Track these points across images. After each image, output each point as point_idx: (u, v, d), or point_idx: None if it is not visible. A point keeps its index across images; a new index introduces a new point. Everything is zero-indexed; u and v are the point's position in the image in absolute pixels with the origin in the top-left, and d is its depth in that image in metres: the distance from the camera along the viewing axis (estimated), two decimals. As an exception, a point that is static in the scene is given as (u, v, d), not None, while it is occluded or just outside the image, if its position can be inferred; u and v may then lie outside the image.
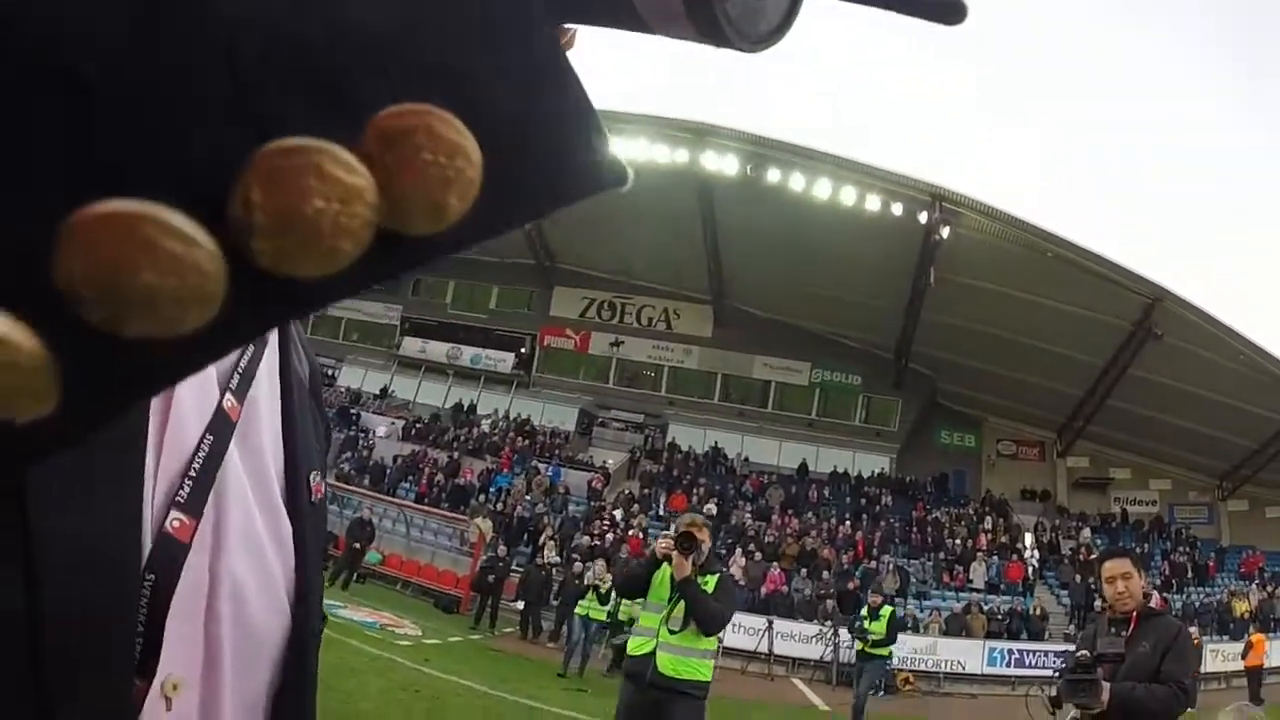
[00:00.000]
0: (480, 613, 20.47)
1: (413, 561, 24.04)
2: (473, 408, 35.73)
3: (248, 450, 0.77)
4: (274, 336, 0.85)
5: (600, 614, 16.78)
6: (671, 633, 6.39)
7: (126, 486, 0.63)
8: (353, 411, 34.15)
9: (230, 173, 0.26)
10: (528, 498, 29.05)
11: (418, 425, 33.58)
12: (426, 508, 27.03)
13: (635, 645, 6.62)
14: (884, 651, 14.30)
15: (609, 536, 25.45)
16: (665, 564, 6.45)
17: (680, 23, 0.46)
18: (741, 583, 22.28)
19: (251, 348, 0.78)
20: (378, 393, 36.48)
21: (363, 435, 32.44)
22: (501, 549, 22.04)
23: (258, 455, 0.79)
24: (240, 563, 0.73)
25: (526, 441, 33.53)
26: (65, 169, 0.24)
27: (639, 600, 6.83)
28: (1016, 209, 26.99)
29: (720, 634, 6.76)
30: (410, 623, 17.57)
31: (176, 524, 0.67)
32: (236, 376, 0.76)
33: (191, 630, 0.69)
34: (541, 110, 0.35)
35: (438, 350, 37.24)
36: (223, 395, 0.74)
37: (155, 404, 0.66)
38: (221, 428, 0.73)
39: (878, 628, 13.86)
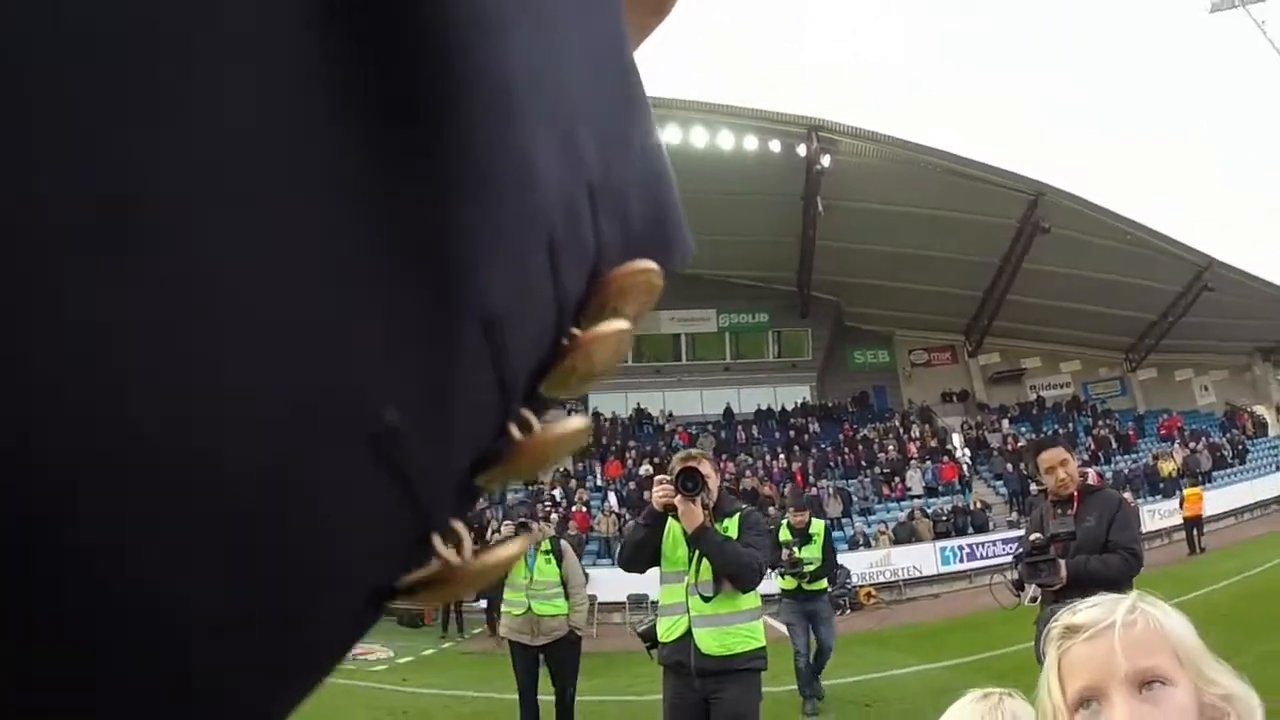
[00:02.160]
0: (446, 620, 20.32)
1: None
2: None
3: None
4: None
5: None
6: (705, 600, 5.19)
7: None
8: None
9: (550, 362, 0.29)
10: (468, 495, 28.88)
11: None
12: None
13: (665, 628, 5.40)
14: (821, 585, 10.29)
15: (554, 516, 25.48)
16: (670, 518, 5.31)
17: None
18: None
19: None
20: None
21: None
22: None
23: None
24: None
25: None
26: (503, 403, 0.28)
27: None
28: (892, 129, 27.53)
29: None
30: (379, 645, 17.37)
31: None
32: None
33: None
34: (671, 215, 0.39)
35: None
36: None
37: None
38: None
39: (811, 551, 10.13)
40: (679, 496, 5.05)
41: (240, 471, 0.23)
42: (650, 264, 0.33)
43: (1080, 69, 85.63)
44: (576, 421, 0.29)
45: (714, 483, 5.22)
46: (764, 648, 5.30)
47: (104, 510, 0.21)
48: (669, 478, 5.18)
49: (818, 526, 10.41)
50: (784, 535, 10.04)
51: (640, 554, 5.44)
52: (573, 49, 0.31)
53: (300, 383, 0.23)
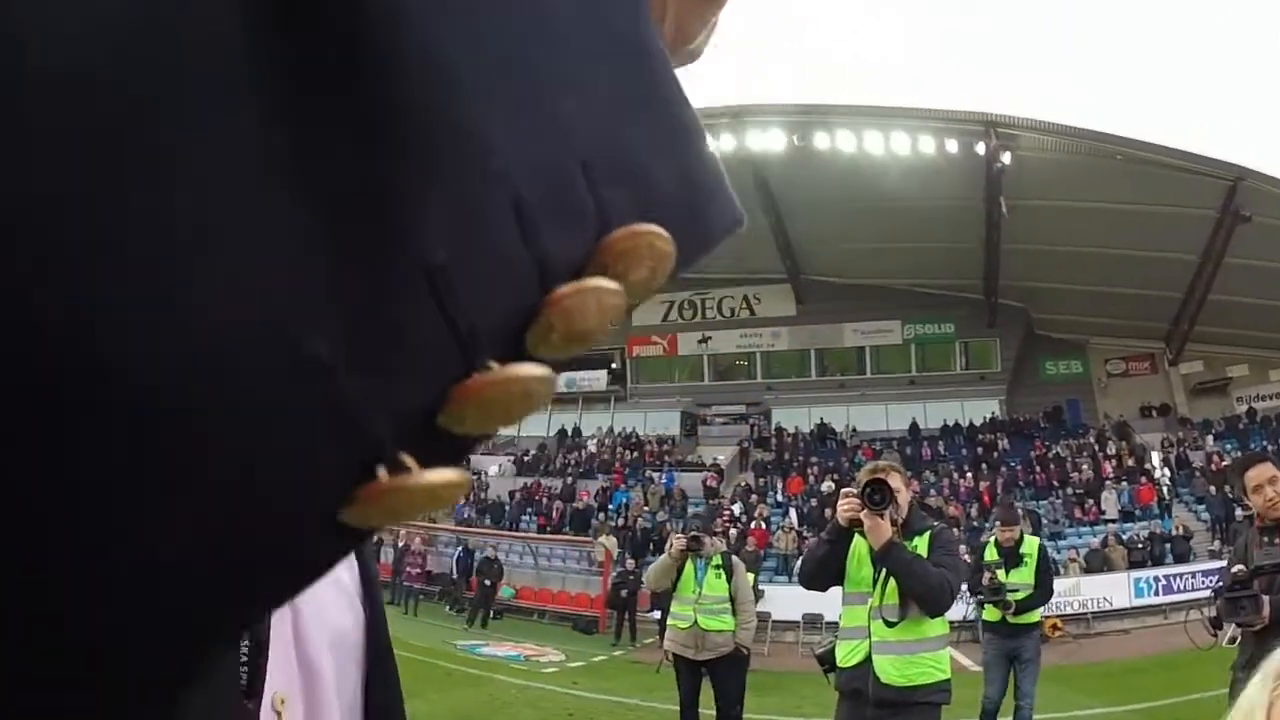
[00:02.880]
0: (619, 628, 20.65)
1: (545, 590, 24.34)
2: (577, 430, 36.02)
3: None
4: None
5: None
6: (889, 625, 4.84)
7: None
8: (461, 456, 34.72)
9: (526, 318, 0.31)
10: (646, 508, 29.15)
11: (527, 458, 34.02)
12: (550, 536, 27.39)
13: (845, 653, 5.12)
14: (1034, 616, 8.70)
15: (732, 532, 25.29)
16: (856, 534, 5.00)
17: None
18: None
19: None
20: (481, 434, 36.97)
21: (476, 477, 32.94)
22: (629, 563, 22.18)
23: None
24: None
25: (635, 453, 33.70)
26: (456, 346, 0.29)
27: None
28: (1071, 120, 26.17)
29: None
30: (553, 649, 17.80)
31: None
32: None
33: (284, 650, 0.73)
34: (703, 181, 0.39)
35: (531, 381, 37.56)
36: None
37: None
38: None
39: (1021, 576, 8.44)
40: (865, 510, 4.77)
41: (159, 384, 0.25)
42: (650, 227, 0.34)
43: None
44: (530, 369, 0.31)
45: (904, 497, 4.91)
46: (948, 680, 4.97)
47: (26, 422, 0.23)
48: (855, 490, 4.90)
49: (1031, 546, 8.75)
50: (990, 554, 8.68)
51: (822, 571, 5.20)
52: (566, 36, 0.33)
53: (226, 304, 0.25)
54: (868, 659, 4.88)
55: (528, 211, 0.31)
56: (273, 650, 0.71)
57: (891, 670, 4.80)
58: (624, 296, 0.33)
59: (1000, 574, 8.45)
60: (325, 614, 0.79)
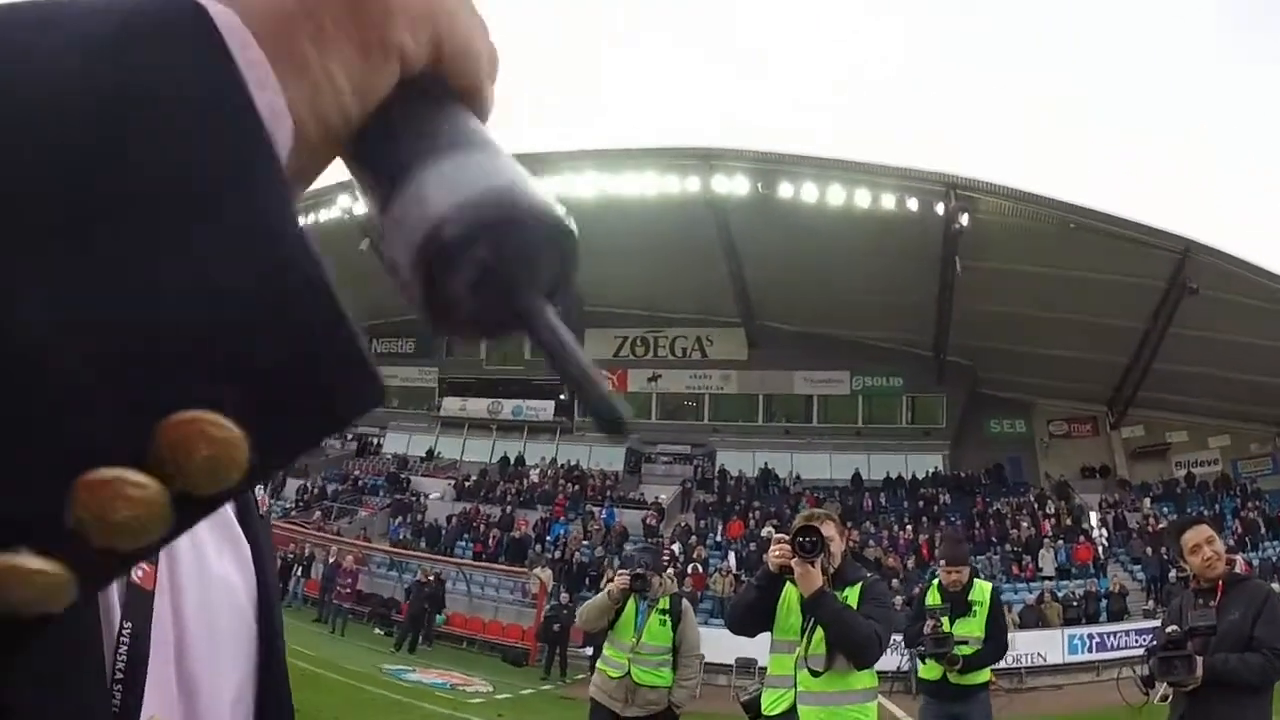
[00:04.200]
0: (550, 662, 20.38)
1: (476, 618, 24.01)
2: (520, 459, 35.75)
3: None
4: None
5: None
6: (814, 675, 4.71)
7: None
8: (402, 476, 34.32)
9: (60, 501, 0.32)
10: (585, 543, 28.92)
11: (468, 483, 33.64)
12: (485, 564, 27.00)
13: (770, 701, 4.99)
14: (982, 676, 7.14)
15: (670, 572, 25.17)
16: (787, 581, 4.88)
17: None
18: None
19: None
20: (424, 455, 36.68)
21: (415, 499, 32.52)
22: (564, 596, 21.93)
23: None
24: (199, 594, 0.73)
25: (577, 487, 33.49)
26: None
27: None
28: (1031, 186, 26.64)
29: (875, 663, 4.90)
30: (480, 679, 17.51)
31: (140, 574, 0.67)
32: None
33: (164, 671, 0.69)
34: (306, 359, 0.37)
35: (478, 407, 37.40)
36: None
37: None
38: None
39: (969, 627, 6.96)
40: (796, 558, 4.66)
41: None
42: (201, 414, 0.33)
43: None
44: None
45: (837, 546, 4.85)
46: None
47: None
48: (787, 537, 4.79)
49: (982, 592, 7.20)
50: (933, 598, 7.16)
51: (751, 617, 5.08)
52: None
53: None
54: (793, 709, 4.77)
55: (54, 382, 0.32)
56: (155, 667, 0.67)
57: None
58: (159, 489, 0.33)
59: (944, 623, 6.90)
60: (217, 629, 0.75)
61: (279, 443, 0.36)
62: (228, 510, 0.80)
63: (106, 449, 0.32)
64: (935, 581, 7.36)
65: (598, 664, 7.15)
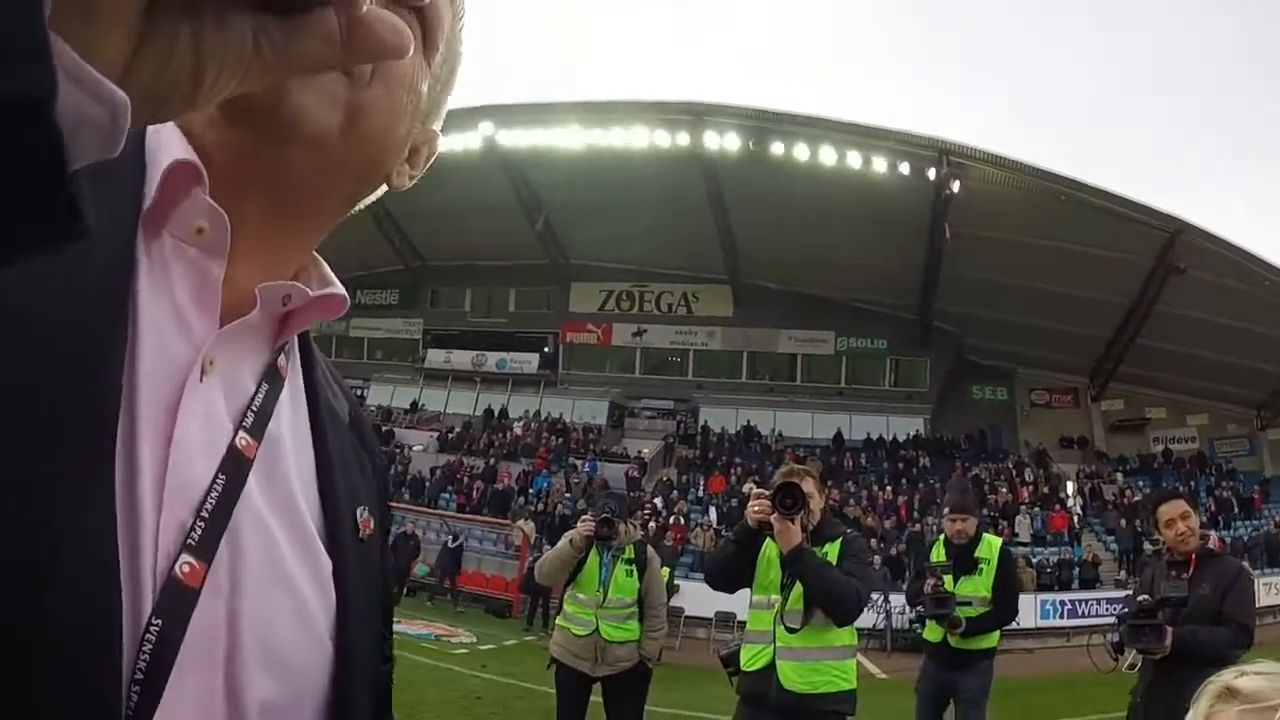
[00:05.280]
0: (532, 614, 20.56)
1: (461, 570, 24.16)
2: (504, 412, 35.81)
3: (272, 487, 0.76)
4: (295, 376, 0.83)
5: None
6: (791, 631, 4.69)
7: (91, 517, 0.60)
8: (385, 429, 34.35)
9: None
10: (567, 496, 29.10)
11: (451, 435, 33.74)
12: (469, 516, 27.15)
13: (749, 657, 4.91)
14: (988, 641, 6.55)
15: (652, 525, 25.38)
16: (766, 537, 4.81)
17: None
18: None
19: (265, 387, 0.77)
20: (408, 407, 36.67)
21: (398, 451, 32.60)
22: (546, 549, 22.06)
23: (284, 492, 0.77)
24: (263, 601, 0.72)
25: (560, 440, 33.63)
26: None
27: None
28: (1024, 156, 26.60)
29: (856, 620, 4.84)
30: (464, 631, 17.68)
31: (186, 569, 0.65)
32: (250, 415, 0.74)
33: (208, 679, 0.68)
34: None
35: (462, 359, 37.37)
36: (235, 433, 0.72)
37: (149, 445, 0.65)
38: (235, 467, 0.71)
39: (974, 586, 6.47)
40: (775, 514, 4.61)
41: None
42: None
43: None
44: None
45: (817, 503, 4.78)
46: (853, 691, 4.77)
47: None
48: (767, 493, 4.71)
49: (989, 548, 6.63)
50: (936, 555, 6.71)
51: (728, 573, 5.03)
52: None
53: None
54: (771, 664, 4.72)
55: None
56: (194, 675, 0.65)
57: (794, 676, 4.66)
58: None
59: (947, 581, 6.46)
60: (276, 639, 0.73)
61: None
62: (309, 526, 0.78)
63: None
64: (941, 537, 6.87)
65: (558, 621, 6.60)
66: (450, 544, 23.39)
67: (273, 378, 0.78)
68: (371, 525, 0.87)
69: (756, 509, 4.73)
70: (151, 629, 0.62)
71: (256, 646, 0.70)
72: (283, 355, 0.80)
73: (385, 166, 0.78)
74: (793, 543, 4.59)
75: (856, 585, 4.65)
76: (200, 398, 0.69)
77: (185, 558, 0.65)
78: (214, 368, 0.71)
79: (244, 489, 0.71)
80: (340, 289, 0.82)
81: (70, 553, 0.58)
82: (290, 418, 0.80)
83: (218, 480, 0.69)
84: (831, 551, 4.75)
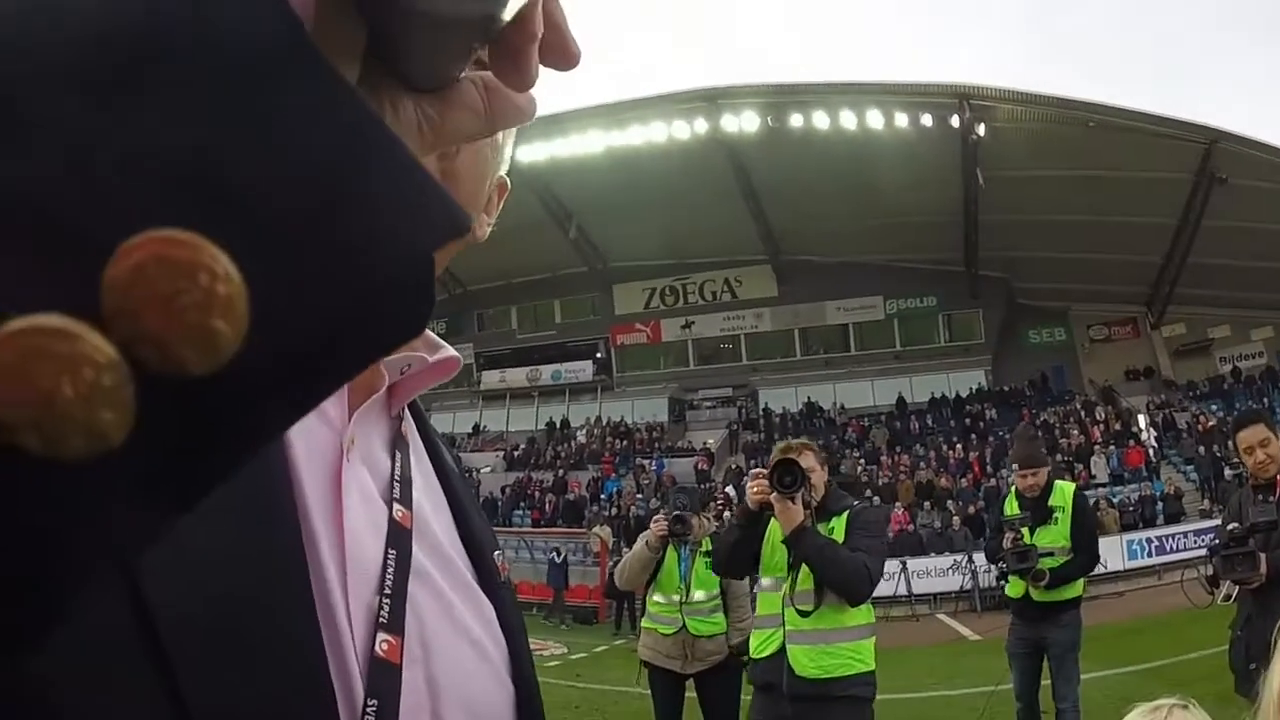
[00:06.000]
0: (619, 618, 20.61)
1: (542, 584, 24.29)
2: (565, 422, 35.98)
3: (429, 549, 0.78)
4: (414, 437, 0.87)
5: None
6: (803, 614, 4.46)
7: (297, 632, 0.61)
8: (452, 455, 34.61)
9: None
10: (639, 496, 29.16)
11: (516, 452, 33.97)
12: (544, 530, 27.33)
13: (758, 643, 4.71)
14: (1072, 591, 6.39)
15: (726, 514, 25.34)
16: (770, 517, 4.63)
17: None
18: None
19: (398, 455, 0.80)
20: (470, 431, 36.96)
21: (467, 475, 32.76)
22: (625, 551, 22.14)
23: (439, 551, 0.80)
24: (452, 660, 0.75)
25: (624, 442, 33.72)
26: None
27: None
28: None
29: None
30: (554, 643, 17.80)
31: (385, 646, 0.67)
32: (396, 486, 0.77)
33: None
34: (338, 189, 0.32)
35: (517, 376, 37.58)
36: (391, 507, 0.75)
37: (323, 528, 0.67)
38: (400, 540, 0.74)
39: (1051, 536, 6.34)
40: (774, 494, 4.44)
41: None
42: (151, 235, 0.26)
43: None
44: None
45: (818, 477, 4.58)
46: (872, 672, 4.58)
47: None
48: (765, 472, 4.55)
49: (1063, 495, 6.48)
50: (1010, 509, 6.55)
51: (735, 558, 4.89)
52: None
53: None
54: (782, 650, 4.52)
55: None
56: None
57: (806, 661, 4.46)
58: (105, 346, 0.25)
59: (1025, 534, 6.33)
60: (471, 693, 0.76)
61: (291, 306, 0.30)
62: (469, 577, 0.81)
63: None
64: (1013, 489, 6.72)
65: (644, 624, 6.56)
66: (556, 560, 23.62)
67: (402, 445, 0.82)
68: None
69: (755, 489, 4.59)
70: (369, 710, 0.64)
71: (457, 704, 0.74)
72: (402, 420, 0.84)
73: (473, 224, 0.80)
74: (794, 523, 4.42)
75: (865, 560, 4.44)
76: (354, 478, 0.72)
77: (382, 635, 0.68)
78: (354, 446, 0.74)
79: (410, 560, 0.74)
80: (451, 351, 0.86)
81: (281, 636, 0.60)
82: (420, 478, 0.84)
83: (389, 555, 0.72)
84: (838, 527, 4.56)
